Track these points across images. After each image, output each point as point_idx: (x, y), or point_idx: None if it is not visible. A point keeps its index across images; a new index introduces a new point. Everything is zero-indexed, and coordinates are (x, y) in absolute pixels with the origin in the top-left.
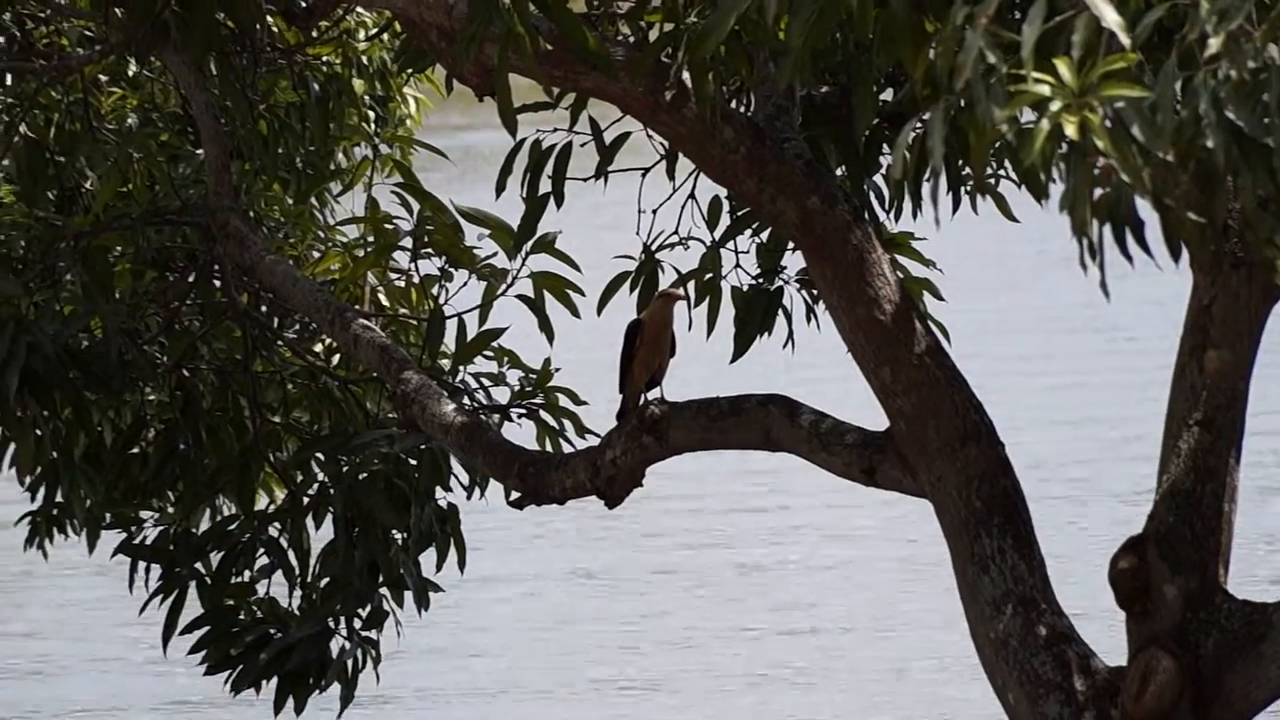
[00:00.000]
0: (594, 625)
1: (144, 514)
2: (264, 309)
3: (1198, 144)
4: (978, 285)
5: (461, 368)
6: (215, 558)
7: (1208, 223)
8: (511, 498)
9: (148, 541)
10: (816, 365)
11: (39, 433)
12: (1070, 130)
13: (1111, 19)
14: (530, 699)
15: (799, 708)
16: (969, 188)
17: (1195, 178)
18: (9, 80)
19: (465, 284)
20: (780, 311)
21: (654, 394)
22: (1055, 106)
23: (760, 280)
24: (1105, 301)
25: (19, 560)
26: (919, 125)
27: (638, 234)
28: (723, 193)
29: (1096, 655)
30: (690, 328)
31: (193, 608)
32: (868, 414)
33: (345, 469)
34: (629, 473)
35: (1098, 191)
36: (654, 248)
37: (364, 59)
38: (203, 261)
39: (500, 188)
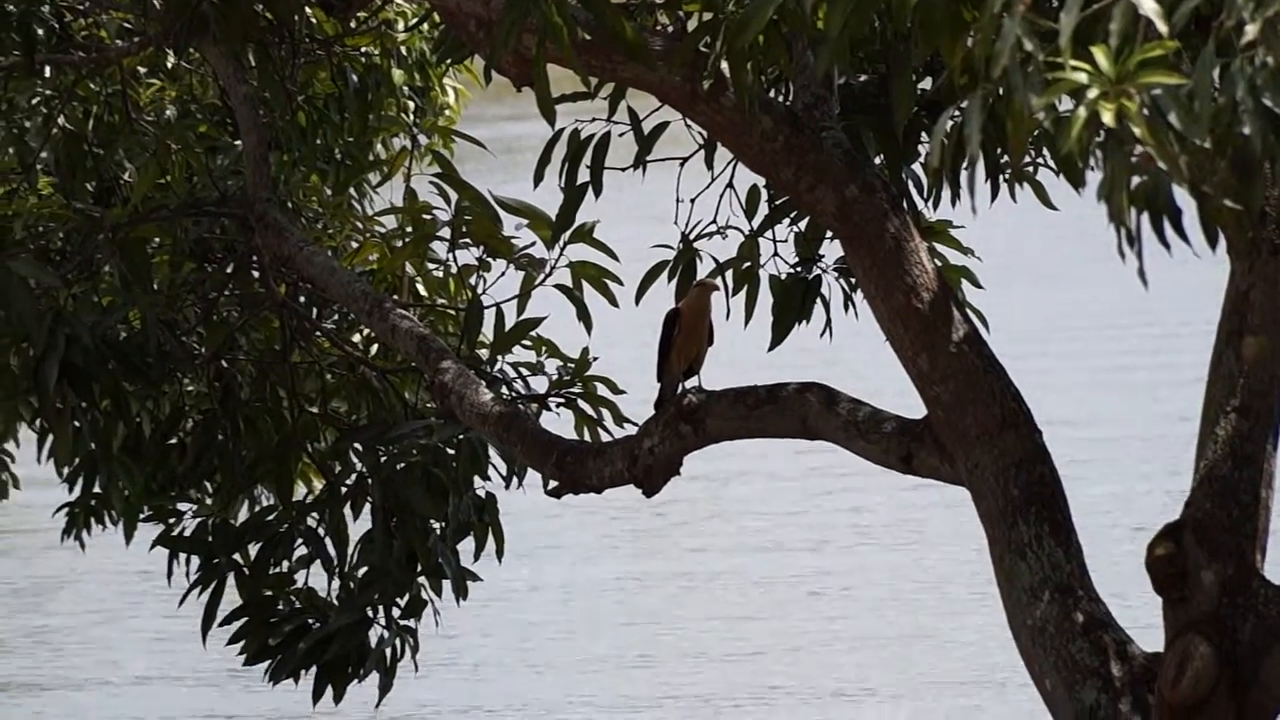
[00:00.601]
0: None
1: (182, 505)
2: (302, 299)
3: (1235, 131)
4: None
5: (499, 357)
6: (253, 548)
7: (1245, 210)
8: (549, 487)
9: (186, 533)
10: (855, 353)
11: (77, 424)
12: (1107, 118)
13: (1149, 6)
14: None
15: None
16: (1007, 176)
17: (1232, 165)
18: (48, 72)
19: (503, 274)
20: (818, 300)
21: (691, 382)
22: (1092, 94)
23: (798, 269)
24: (1144, 290)
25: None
26: (957, 113)
27: (676, 223)
28: (761, 182)
29: (1134, 641)
30: (729, 316)
31: (231, 598)
32: (906, 402)
33: (383, 459)
34: (666, 461)
35: (1135, 179)
36: (692, 237)
37: (403, 50)
38: (241, 252)
39: (539, 178)
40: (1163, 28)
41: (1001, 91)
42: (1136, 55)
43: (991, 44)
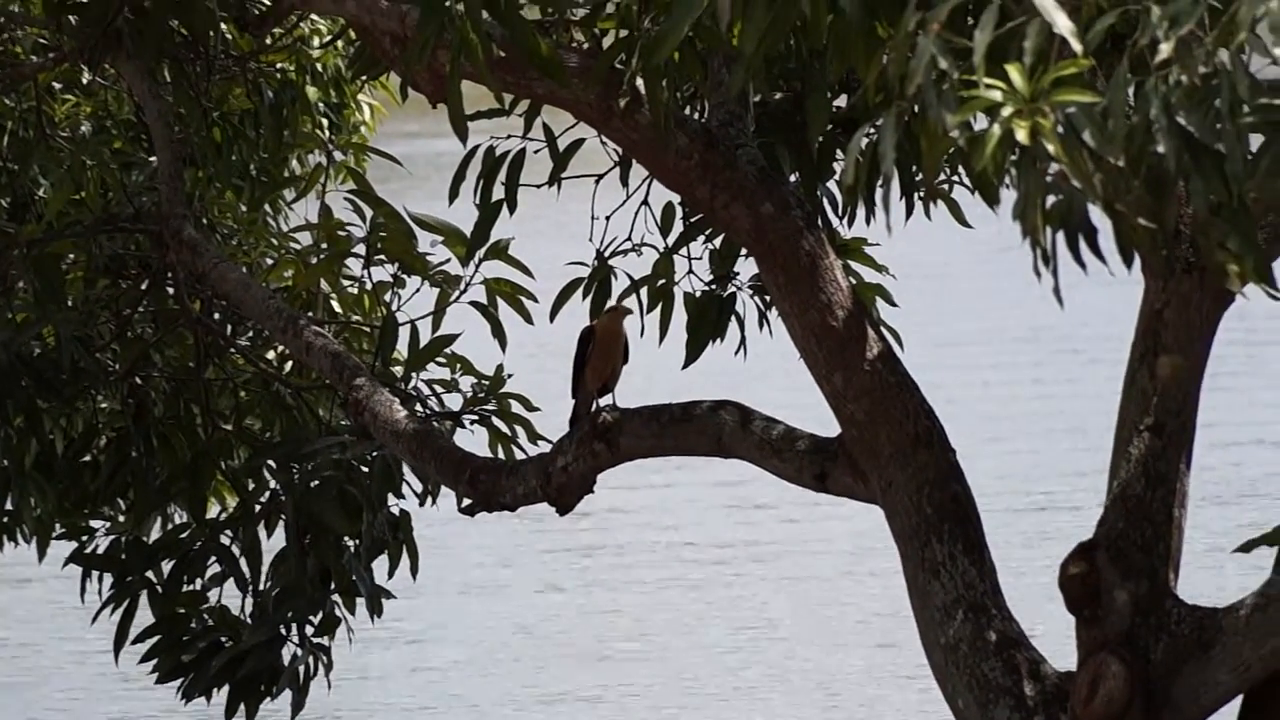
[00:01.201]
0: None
1: (95, 523)
2: (216, 316)
3: (1149, 149)
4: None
5: (414, 374)
6: (167, 566)
7: (1159, 228)
8: (463, 504)
9: (99, 550)
10: (769, 371)
11: None
12: (1022, 136)
13: (1063, 25)
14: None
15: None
16: (922, 194)
17: (1146, 183)
18: None
19: (418, 290)
20: (733, 317)
21: (606, 400)
22: (1007, 112)
23: (713, 286)
24: (1059, 309)
25: None
26: (871, 131)
27: (591, 240)
28: (676, 199)
29: (1047, 661)
30: (643, 334)
31: (145, 616)
32: (820, 421)
33: (297, 476)
34: (580, 479)
35: (1050, 198)
36: (607, 254)
37: (318, 66)
38: (155, 269)
39: (454, 194)
40: (1077, 46)
41: (916, 109)
42: (1051, 73)
43: (906, 62)
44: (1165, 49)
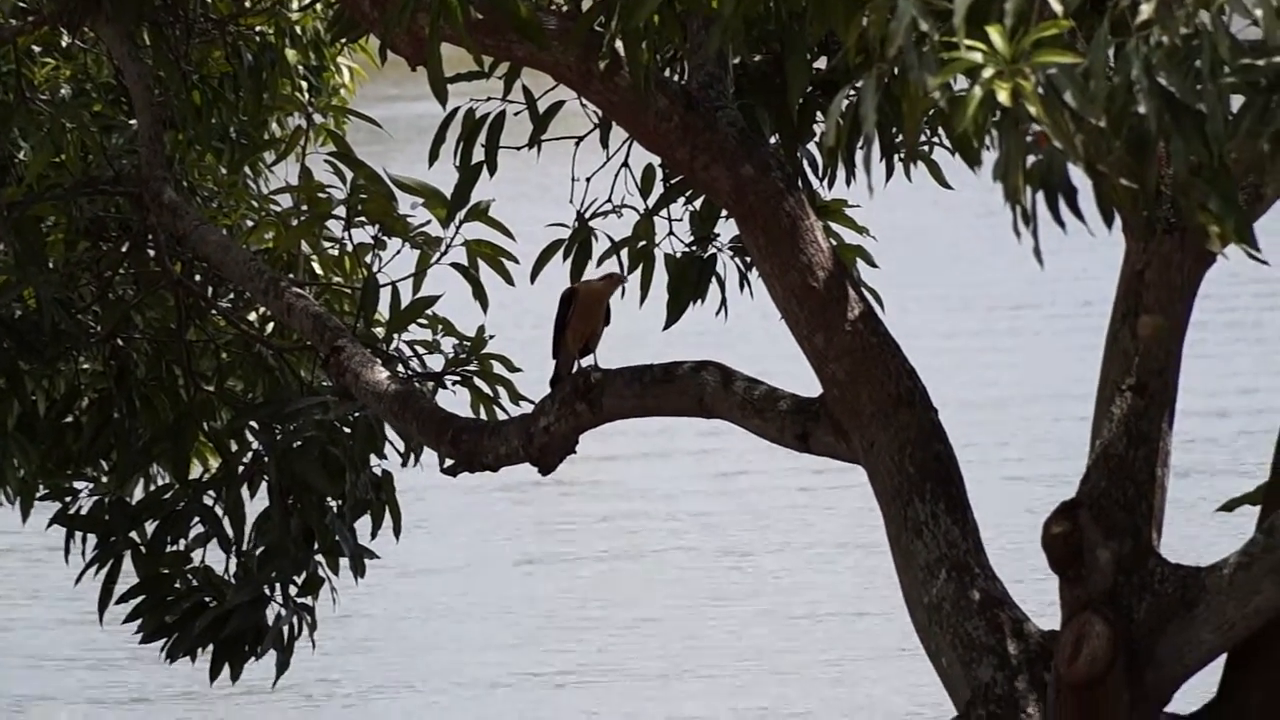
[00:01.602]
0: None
1: (78, 484)
2: (198, 278)
3: (1130, 110)
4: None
5: (395, 335)
6: (150, 527)
7: (1140, 188)
8: (445, 465)
9: (83, 511)
10: (750, 332)
11: None
12: (1003, 97)
13: None
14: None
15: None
16: (903, 155)
17: (1127, 144)
18: None
19: (399, 252)
20: (714, 279)
21: (587, 361)
22: (988, 74)
23: (693, 248)
24: (1040, 269)
25: None
26: (852, 93)
27: (571, 202)
28: (656, 161)
29: (1030, 620)
30: (624, 295)
31: (129, 577)
32: (801, 381)
33: (280, 437)
34: (562, 440)
35: (1030, 158)
36: (588, 216)
37: (297, 29)
38: (136, 231)
39: (434, 157)
40: (1057, 7)
41: (896, 71)
42: (1031, 35)
43: (886, 23)
44: (1146, 9)
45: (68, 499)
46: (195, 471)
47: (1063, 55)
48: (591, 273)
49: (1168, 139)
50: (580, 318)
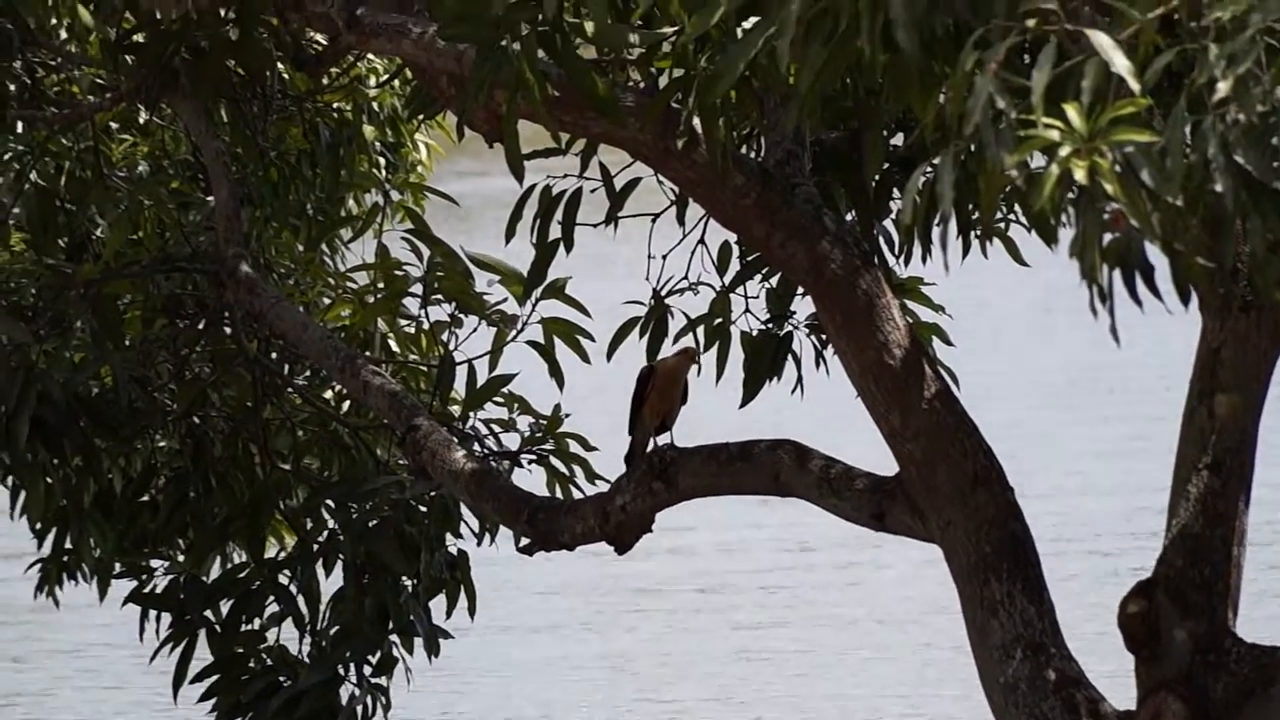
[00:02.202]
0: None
1: (154, 562)
2: (274, 355)
3: (1207, 188)
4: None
5: (471, 414)
6: (225, 605)
7: (1217, 266)
8: (521, 544)
9: (158, 589)
10: (826, 410)
11: (49, 480)
12: (1080, 175)
13: (1121, 64)
14: None
15: None
16: (979, 232)
17: (1204, 222)
18: (20, 128)
19: (475, 330)
20: (790, 356)
21: (664, 439)
22: (1064, 151)
23: (769, 325)
24: (1115, 348)
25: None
26: (929, 170)
27: (647, 279)
28: (732, 238)
29: (1106, 700)
30: (699, 373)
31: (203, 656)
32: (878, 459)
33: (355, 516)
34: (639, 518)
35: (1107, 236)
36: (664, 293)
37: (375, 105)
38: (213, 308)
39: (510, 234)
40: (1135, 85)
41: (973, 148)
42: (1108, 112)
43: (964, 101)
44: (1223, 88)
45: (143, 577)
46: (271, 550)
47: (1139, 134)
48: (667, 350)
49: (1244, 217)
50: (658, 395)
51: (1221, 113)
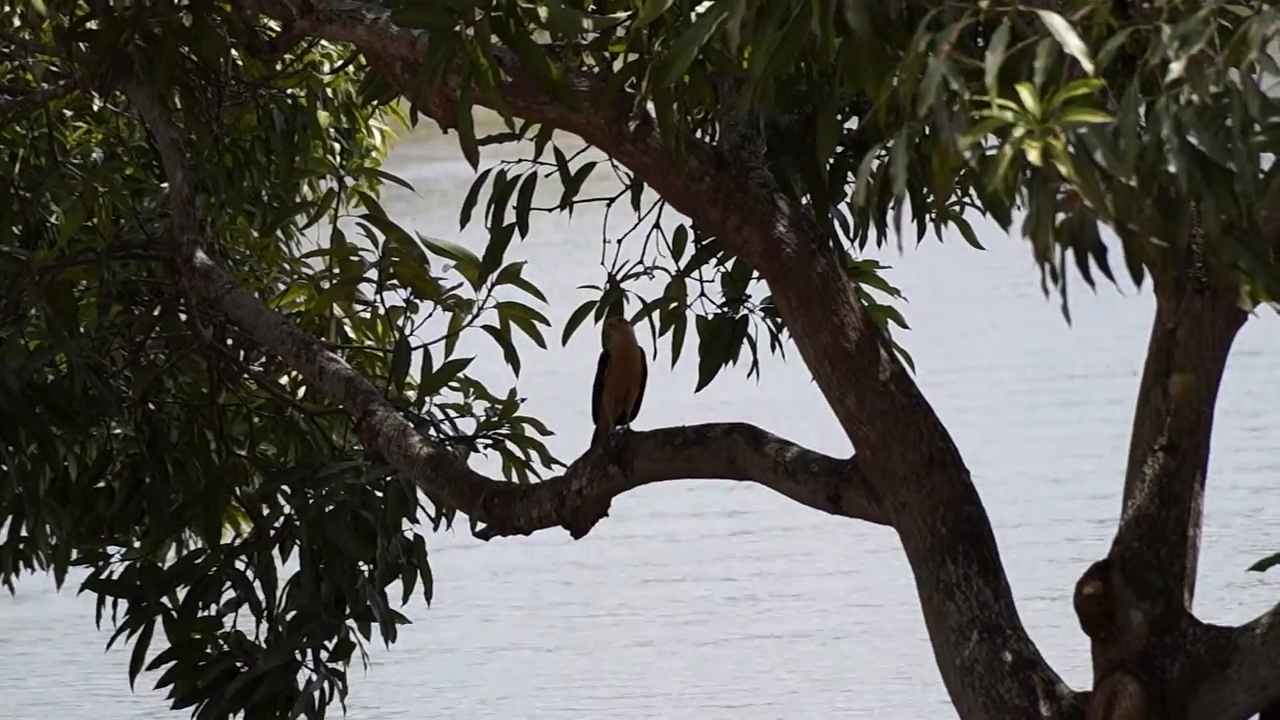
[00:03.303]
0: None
1: (110, 549)
2: (229, 342)
3: (1160, 169)
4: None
5: (427, 399)
6: (182, 592)
7: (1170, 247)
8: (477, 529)
9: (114, 576)
10: (781, 394)
11: (4, 468)
12: (1034, 156)
13: (1074, 44)
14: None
15: None
16: (933, 215)
17: (1158, 203)
18: None
19: (431, 315)
20: (745, 340)
21: (624, 425)
22: (1018, 133)
23: (725, 309)
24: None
25: None
26: (882, 153)
27: (603, 264)
28: (688, 222)
29: (1062, 681)
30: (655, 356)
31: (160, 642)
32: (833, 442)
33: (311, 501)
34: (595, 503)
35: (1059, 216)
36: (619, 277)
37: (329, 91)
38: (168, 295)
39: (465, 219)
40: (1088, 66)
41: (927, 130)
42: (1062, 93)
43: (917, 83)
44: (1176, 69)
45: (100, 564)
46: (227, 536)
47: (1093, 114)
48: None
49: (1198, 198)
50: (615, 376)
51: (1175, 94)
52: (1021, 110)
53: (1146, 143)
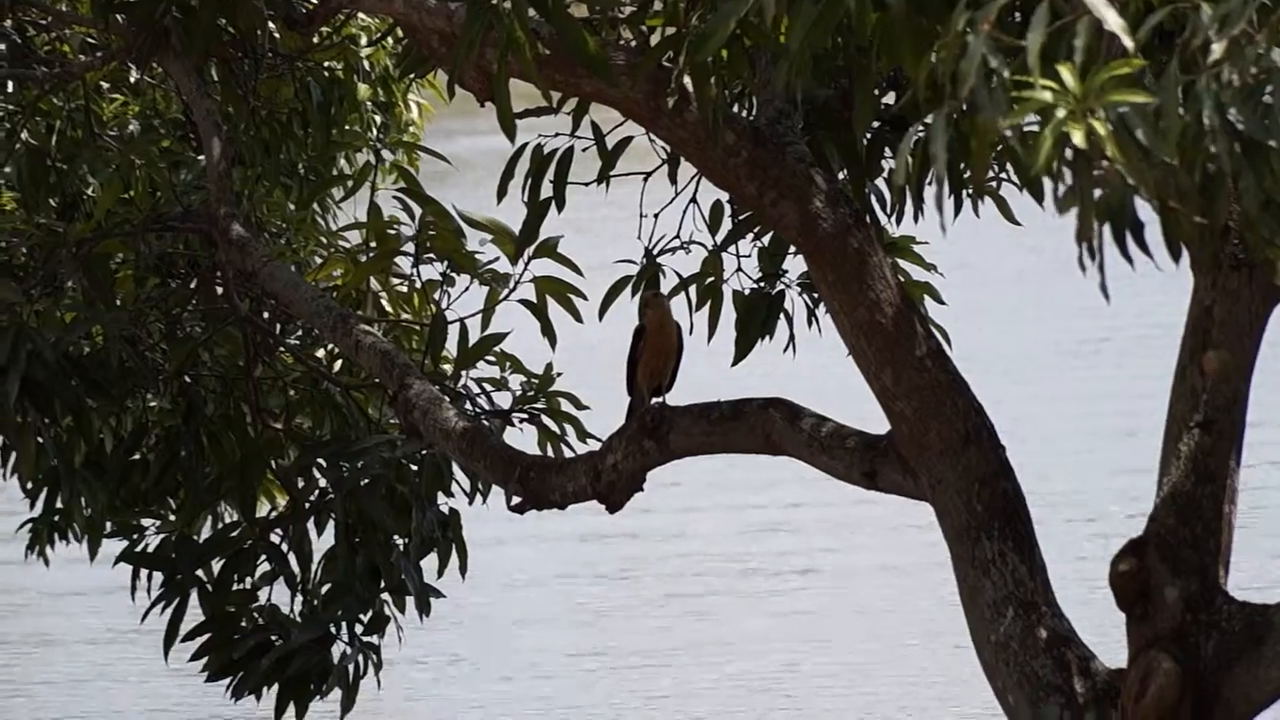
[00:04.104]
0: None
1: (145, 521)
2: (266, 315)
3: (1202, 148)
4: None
5: (463, 373)
6: (217, 565)
7: (1209, 224)
8: (512, 503)
9: (149, 549)
10: (819, 368)
11: (40, 440)
12: (1078, 139)
13: (1114, 21)
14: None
15: None
16: (969, 191)
17: (1198, 180)
18: (10, 88)
19: (467, 289)
20: (782, 315)
21: (659, 399)
22: (1060, 114)
23: (761, 284)
24: (1105, 304)
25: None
26: (920, 130)
27: (639, 238)
28: (724, 196)
29: (1097, 658)
30: (692, 331)
31: (195, 614)
32: (870, 417)
33: (347, 475)
34: (630, 477)
35: (1097, 192)
36: (656, 252)
37: (366, 64)
38: (204, 268)
39: (502, 193)
40: (1128, 42)
41: (965, 108)
42: (1103, 73)
43: (956, 61)
44: (1217, 49)
45: (135, 536)
46: (262, 509)
47: (1135, 94)
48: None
49: (1238, 176)
50: (650, 351)
51: (1215, 73)
52: (1062, 90)
53: (1187, 122)
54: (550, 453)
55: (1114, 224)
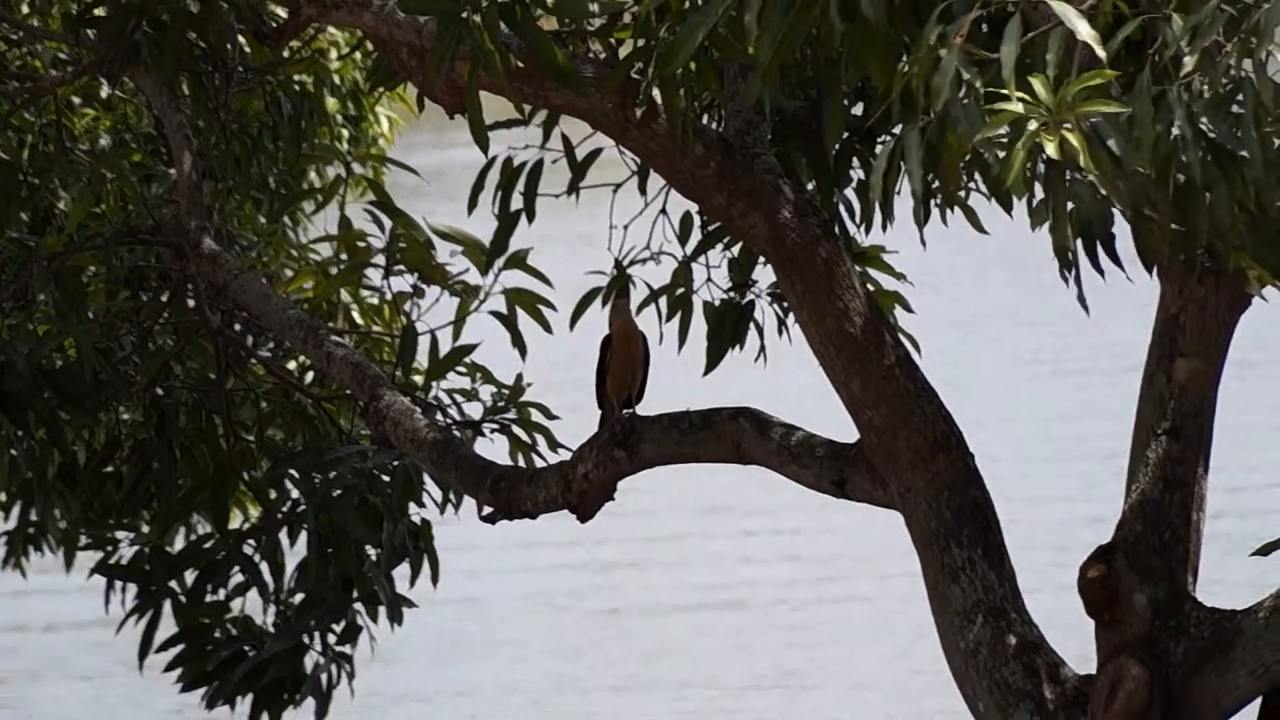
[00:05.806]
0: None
1: (120, 533)
2: (237, 327)
3: (1175, 157)
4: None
5: (434, 384)
6: (190, 576)
7: (1185, 233)
8: (483, 513)
9: (123, 561)
10: (788, 378)
11: (13, 452)
12: (1051, 150)
13: (1086, 32)
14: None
15: None
16: (938, 200)
17: (1172, 190)
18: None
19: (438, 300)
20: (751, 325)
21: (629, 410)
22: (1032, 126)
23: (731, 294)
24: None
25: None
26: (884, 139)
27: (609, 249)
28: (694, 207)
29: (1066, 664)
30: (661, 342)
31: (168, 625)
32: (841, 426)
33: (319, 486)
34: (600, 487)
35: (1068, 205)
36: (626, 263)
37: (336, 78)
38: (176, 280)
39: (472, 204)
40: (1101, 53)
41: (939, 122)
42: (1075, 84)
43: (929, 75)
44: (1189, 61)
45: (109, 548)
46: (235, 521)
47: (1107, 105)
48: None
49: (1211, 185)
50: (617, 360)
51: (1187, 83)
52: (1034, 102)
53: (1159, 132)
54: (521, 463)
55: (1084, 236)
